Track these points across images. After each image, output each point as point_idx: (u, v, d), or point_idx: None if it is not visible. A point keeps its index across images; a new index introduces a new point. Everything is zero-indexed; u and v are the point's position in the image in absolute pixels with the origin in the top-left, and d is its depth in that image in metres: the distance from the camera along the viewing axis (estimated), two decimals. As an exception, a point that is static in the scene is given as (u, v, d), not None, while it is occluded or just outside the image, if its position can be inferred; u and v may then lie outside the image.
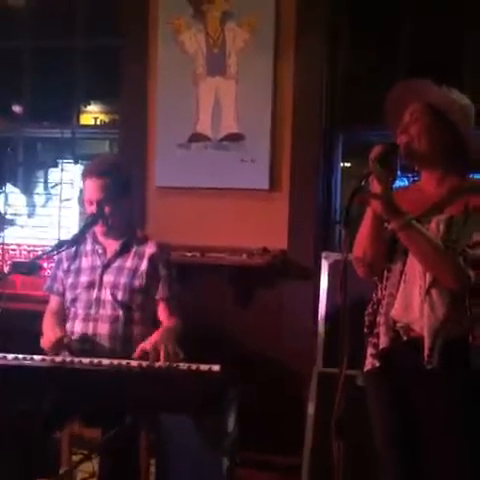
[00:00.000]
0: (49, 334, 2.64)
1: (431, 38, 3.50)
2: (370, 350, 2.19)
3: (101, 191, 2.71)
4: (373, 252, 2.12)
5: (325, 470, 2.71)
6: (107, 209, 2.72)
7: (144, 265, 2.77)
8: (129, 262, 2.78)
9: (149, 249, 2.80)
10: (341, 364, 1.81)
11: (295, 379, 3.39)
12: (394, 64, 3.50)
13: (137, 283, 2.75)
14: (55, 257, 2.83)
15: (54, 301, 2.89)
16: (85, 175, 2.78)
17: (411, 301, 2.08)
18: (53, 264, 2.88)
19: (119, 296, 2.74)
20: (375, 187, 2.01)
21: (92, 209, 2.74)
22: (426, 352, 2.03)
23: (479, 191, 2.11)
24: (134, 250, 2.80)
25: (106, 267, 2.78)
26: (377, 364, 2.16)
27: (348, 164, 3.95)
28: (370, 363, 2.18)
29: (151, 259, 2.78)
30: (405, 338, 2.11)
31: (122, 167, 2.89)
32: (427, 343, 2.03)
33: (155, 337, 2.58)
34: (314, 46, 3.43)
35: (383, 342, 2.13)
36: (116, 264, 2.78)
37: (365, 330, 2.19)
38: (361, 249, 2.13)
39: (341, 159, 3.67)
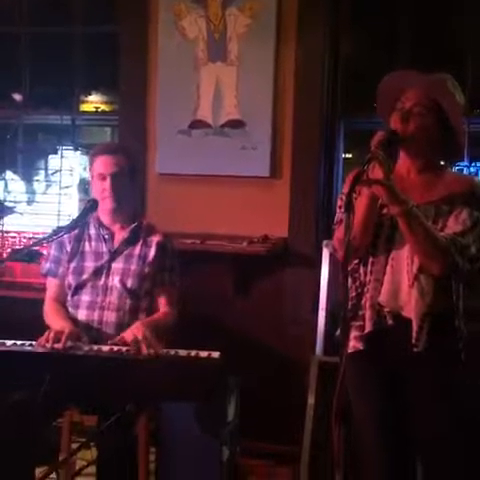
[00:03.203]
0: (60, 328, 2.56)
1: (432, 28, 3.49)
2: (354, 333, 2.19)
3: (115, 166, 2.71)
4: (362, 237, 2.12)
5: (325, 458, 2.70)
6: (119, 185, 2.71)
7: (152, 252, 2.77)
8: (138, 250, 2.78)
9: (156, 238, 2.80)
10: (342, 351, 1.80)
11: (295, 367, 3.38)
12: (396, 53, 3.48)
13: (146, 270, 2.75)
14: (56, 240, 2.76)
15: (54, 286, 2.82)
16: (97, 153, 2.78)
17: (399, 286, 2.11)
18: (52, 247, 2.81)
19: (128, 283, 2.72)
20: (376, 173, 2.00)
21: (103, 186, 2.71)
22: (414, 336, 2.07)
23: None
24: (142, 239, 2.80)
25: (115, 254, 2.76)
26: (360, 347, 2.17)
27: (349, 155, 3.93)
28: (353, 346, 2.18)
29: (158, 247, 2.78)
30: (391, 322, 2.13)
31: (132, 153, 2.90)
32: (415, 327, 2.07)
33: (135, 328, 2.53)
34: (316, 32, 3.40)
35: (368, 326, 2.15)
36: (125, 252, 2.77)
37: (349, 313, 2.17)
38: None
39: (343, 148, 3.65)
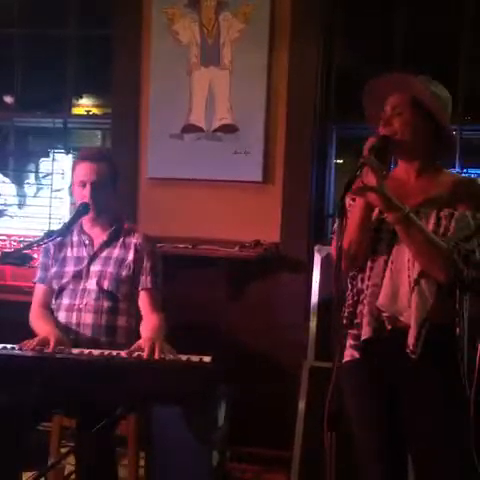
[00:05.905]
0: (46, 334, 2.58)
1: (426, 31, 3.49)
2: (350, 342, 2.16)
3: (96, 174, 2.73)
4: (359, 244, 2.09)
5: (316, 463, 2.70)
6: (99, 193, 2.73)
7: (130, 255, 2.78)
8: (116, 252, 2.79)
9: (135, 240, 2.80)
10: (334, 356, 1.79)
11: (286, 372, 3.37)
12: (389, 58, 3.49)
13: (124, 273, 2.76)
14: (42, 247, 2.80)
15: (42, 291, 2.83)
16: (79, 159, 2.82)
17: (399, 290, 2.06)
18: (41, 253, 2.84)
19: (105, 285, 2.73)
20: (369, 179, 1.98)
21: (83, 193, 2.73)
22: (411, 342, 2.02)
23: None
24: (121, 241, 2.81)
25: (93, 257, 2.78)
26: (357, 356, 2.13)
27: (340, 160, 3.93)
28: (350, 355, 2.15)
29: (136, 249, 2.79)
30: (389, 328, 2.08)
31: (113, 158, 2.91)
32: (413, 333, 2.02)
33: (149, 335, 2.57)
34: (309, 37, 3.41)
35: (365, 333, 2.10)
36: (103, 254, 2.79)
37: (344, 321, 2.15)
38: (347, 241, 2.07)
39: (334, 153, 3.65)
